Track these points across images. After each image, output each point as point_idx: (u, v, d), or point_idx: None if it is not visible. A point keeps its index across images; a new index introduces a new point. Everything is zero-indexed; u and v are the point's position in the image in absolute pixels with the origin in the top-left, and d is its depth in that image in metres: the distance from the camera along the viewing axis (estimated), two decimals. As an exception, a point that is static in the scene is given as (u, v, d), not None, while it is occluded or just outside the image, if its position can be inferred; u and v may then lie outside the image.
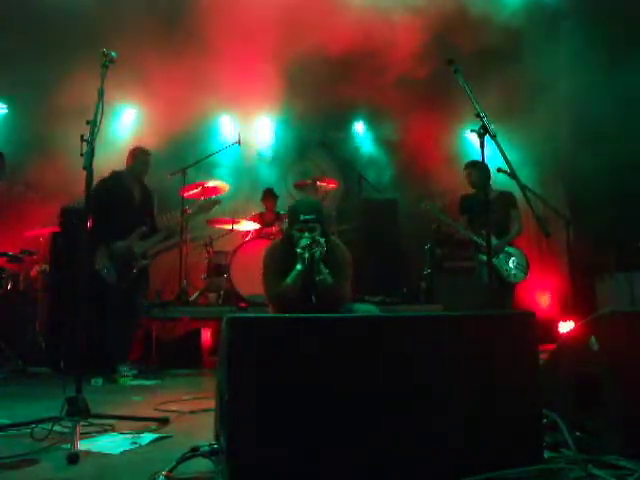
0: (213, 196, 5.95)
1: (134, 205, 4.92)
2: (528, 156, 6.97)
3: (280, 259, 3.38)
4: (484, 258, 4.58)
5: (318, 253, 3.23)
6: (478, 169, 5.25)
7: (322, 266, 3.25)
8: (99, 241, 4.63)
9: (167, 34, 6.34)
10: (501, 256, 5.13)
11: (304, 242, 3.25)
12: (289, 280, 3.28)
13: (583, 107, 6.89)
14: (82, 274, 3.02)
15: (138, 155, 4.99)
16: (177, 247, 6.13)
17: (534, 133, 7.31)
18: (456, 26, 6.46)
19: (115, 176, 4.90)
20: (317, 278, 3.24)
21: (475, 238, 5.12)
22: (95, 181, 4.65)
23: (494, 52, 6.78)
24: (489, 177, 4.99)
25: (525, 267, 5.19)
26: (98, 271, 4.60)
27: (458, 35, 6.37)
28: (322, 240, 3.26)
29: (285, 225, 4.62)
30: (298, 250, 3.25)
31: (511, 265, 5.14)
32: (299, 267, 3.26)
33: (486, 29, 6.43)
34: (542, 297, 7.56)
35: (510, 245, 5.23)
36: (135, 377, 4.66)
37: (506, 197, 5.21)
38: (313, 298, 3.26)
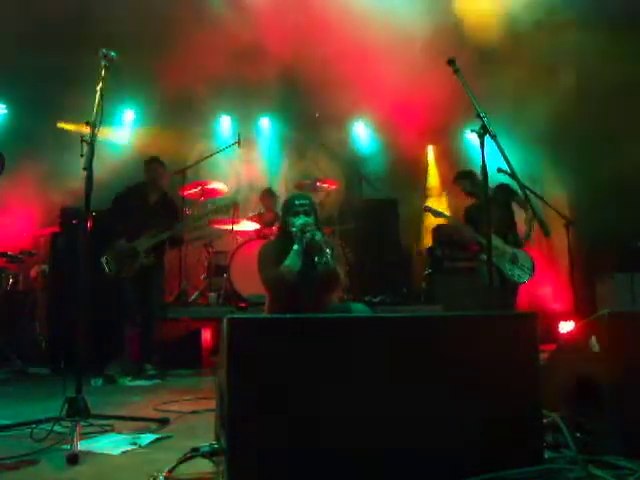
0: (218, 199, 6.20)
1: (148, 210, 5.15)
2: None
3: (274, 253, 3.35)
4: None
5: (319, 235, 3.20)
6: (469, 178, 5.28)
7: (325, 250, 3.18)
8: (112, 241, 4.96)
9: (168, 35, 6.33)
10: (506, 256, 5.12)
11: (299, 222, 3.24)
12: (288, 261, 3.23)
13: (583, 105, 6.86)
14: (82, 274, 3.01)
15: (149, 164, 5.33)
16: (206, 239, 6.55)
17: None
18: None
19: (134, 185, 5.32)
20: (321, 260, 3.15)
21: (480, 239, 5.05)
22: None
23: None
24: (486, 178, 5.00)
25: (530, 268, 5.18)
26: (101, 264, 4.85)
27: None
28: (318, 234, 3.23)
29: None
30: (293, 229, 3.23)
31: (516, 266, 5.13)
32: (296, 247, 3.22)
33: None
34: (542, 297, 7.55)
35: (514, 246, 5.21)
36: (135, 378, 4.66)
37: (503, 189, 5.20)
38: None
